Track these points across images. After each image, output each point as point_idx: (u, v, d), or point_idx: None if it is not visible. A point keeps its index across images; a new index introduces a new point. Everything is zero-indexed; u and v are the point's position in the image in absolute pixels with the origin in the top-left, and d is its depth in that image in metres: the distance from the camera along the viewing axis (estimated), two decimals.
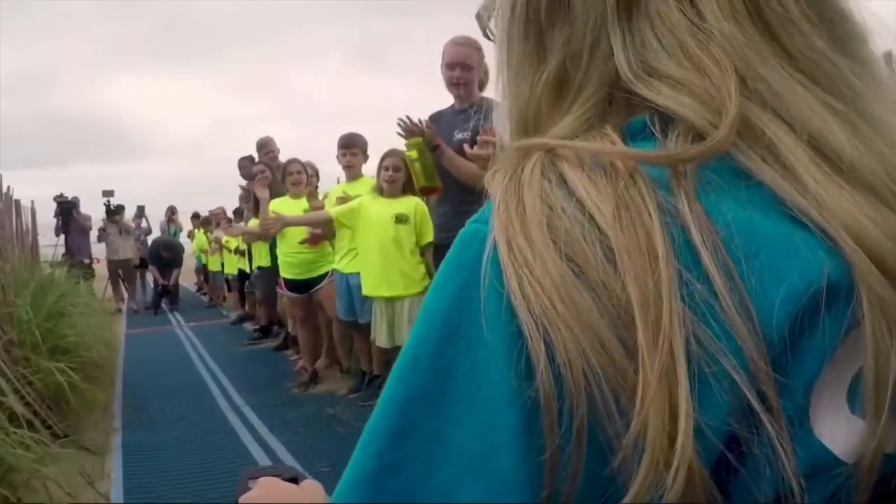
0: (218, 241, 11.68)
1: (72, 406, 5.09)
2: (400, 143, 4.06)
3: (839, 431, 0.38)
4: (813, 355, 0.38)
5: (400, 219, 4.83)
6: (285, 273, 6.21)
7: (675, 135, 0.41)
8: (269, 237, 6.25)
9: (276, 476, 0.78)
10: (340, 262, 5.53)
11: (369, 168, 5.78)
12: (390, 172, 4.75)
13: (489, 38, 0.55)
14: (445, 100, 4.15)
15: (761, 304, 0.37)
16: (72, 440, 4.68)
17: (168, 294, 13.27)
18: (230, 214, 11.92)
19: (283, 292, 6.44)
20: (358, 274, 5.26)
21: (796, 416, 0.38)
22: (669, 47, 0.44)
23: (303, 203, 6.06)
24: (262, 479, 0.77)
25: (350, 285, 5.40)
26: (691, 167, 0.40)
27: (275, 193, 6.28)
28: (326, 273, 6.03)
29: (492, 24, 0.55)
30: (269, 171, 6.93)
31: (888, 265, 0.38)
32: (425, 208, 4.85)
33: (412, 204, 4.87)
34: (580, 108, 0.46)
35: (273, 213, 5.38)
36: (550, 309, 0.36)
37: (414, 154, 3.94)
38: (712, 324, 0.36)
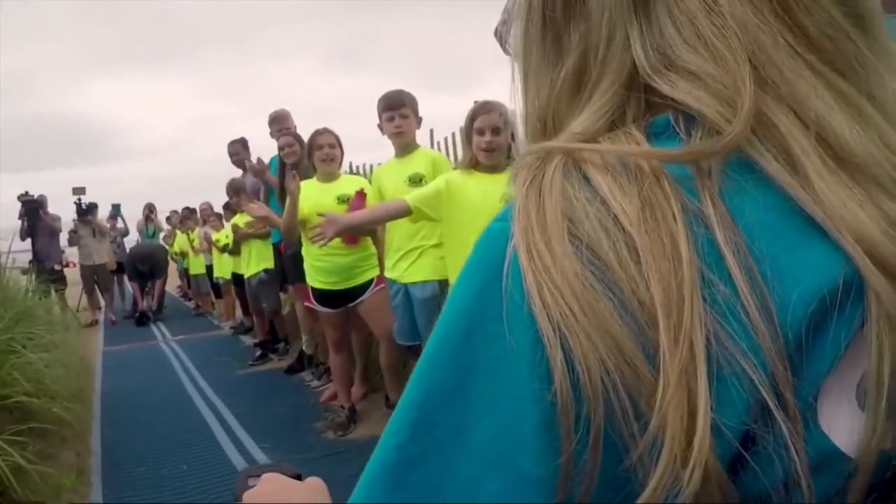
0: (208, 238, 10.19)
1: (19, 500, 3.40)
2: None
3: (846, 428, 0.38)
4: (825, 353, 0.38)
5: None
6: (315, 281, 4.63)
7: (699, 133, 0.42)
8: (294, 241, 4.79)
9: (278, 473, 0.76)
10: (395, 268, 4.07)
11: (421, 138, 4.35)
12: (487, 137, 3.15)
13: (508, 54, 0.55)
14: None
15: (780, 305, 0.37)
16: None
17: (146, 320, 11.75)
18: (218, 210, 10.48)
19: (312, 305, 4.84)
20: (423, 283, 3.88)
21: (806, 411, 0.38)
22: (687, 35, 0.43)
23: (337, 188, 4.53)
24: (266, 476, 0.76)
25: (412, 298, 3.98)
26: (715, 165, 0.41)
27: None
28: (370, 281, 4.60)
29: (511, 39, 0.56)
30: (297, 145, 5.45)
31: (891, 265, 0.38)
32: None
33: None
34: (598, 102, 0.46)
35: (320, 214, 3.73)
36: (569, 316, 0.36)
37: None
38: (733, 324, 0.37)
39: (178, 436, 5.16)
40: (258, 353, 7.54)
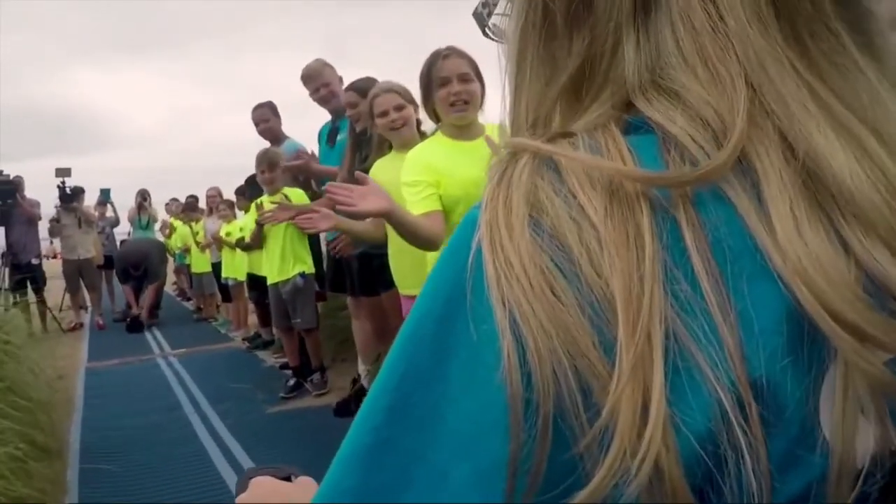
0: (214, 233, 8.45)
1: None
2: None
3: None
4: (812, 362, 0.38)
5: None
6: (410, 287, 3.25)
7: (676, 153, 0.41)
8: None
9: (273, 475, 0.78)
10: None
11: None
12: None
13: (489, 37, 0.56)
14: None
15: (745, 309, 0.37)
16: None
17: (139, 326, 9.97)
18: (229, 197, 8.75)
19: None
20: None
21: (806, 421, 0.38)
22: (688, 52, 0.43)
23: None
24: (255, 479, 0.77)
25: None
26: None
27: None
28: None
29: (495, 21, 0.56)
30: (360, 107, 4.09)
31: (850, 326, 0.37)
32: None
33: None
34: (596, 111, 0.46)
35: None
36: (524, 304, 0.36)
37: None
38: (694, 322, 0.37)
39: None
40: (291, 381, 5.78)
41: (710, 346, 0.36)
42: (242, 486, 0.77)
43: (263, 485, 0.76)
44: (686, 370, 0.36)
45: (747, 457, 0.36)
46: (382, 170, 3.36)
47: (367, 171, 3.31)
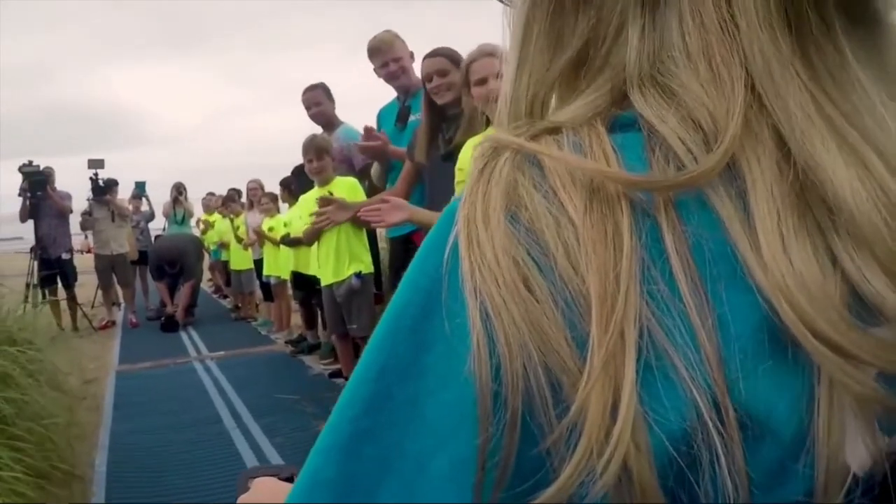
0: (256, 228, 7.90)
1: None
2: None
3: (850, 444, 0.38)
4: (797, 372, 0.38)
5: None
6: None
7: (661, 154, 0.40)
8: None
9: (274, 476, 0.78)
10: None
11: None
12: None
13: (503, 2, 0.53)
14: None
15: (723, 314, 0.37)
16: None
17: (174, 326, 9.43)
18: (272, 190, 8.19)
19: None
20: None
21: (797, 431, 0.37)
22: (692, 49, 0.42)
23: None
24: (257, 480, 0.77)
25: None
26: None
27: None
28: None
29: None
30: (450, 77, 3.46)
31: (834, 346, 0.36)
32: None
33: None
34: (590, 96, 0.45)
35: None
36: (495, 298, 0.36)
37: None
38: (671, 322, 0.37)
39: None
40: None
41: (686, 347, 0.36)
42: (242, 487, 0.77)
43: (265, 485, 0.77)
44: (660, 369, 0.36)
45: (723, 458, 0.36)
46: None
47: (452, 154, 2.71)
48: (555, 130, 0.42)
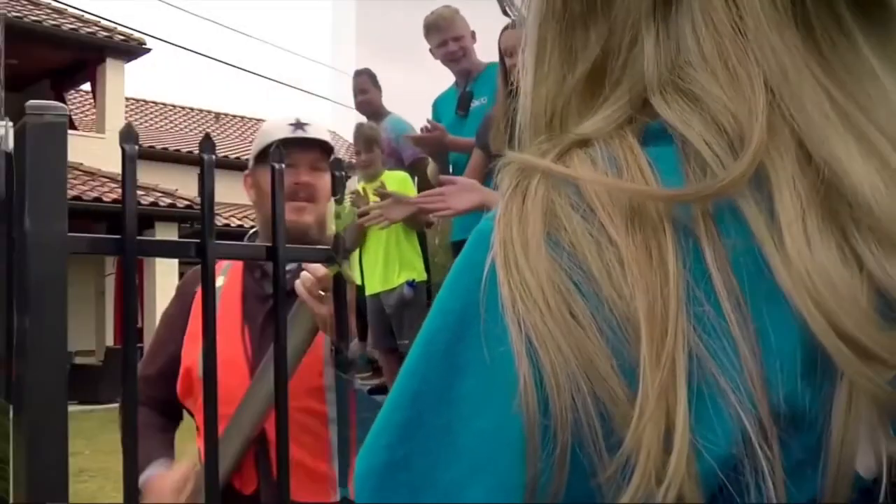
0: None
1: None
2: None
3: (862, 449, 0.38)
4: (824, 380, 0.37)
5: None
6: None
7: (694, 164, 0.39)
8: None
9: None
10: None
11: None
12: None
13: (507, 15, 0.61)
14: None
15: (764, 328, 0.36)
16: None
17: None
18: None
19: None
20: None
21: (820, 438, 0.37)
22: (708, 53, 0.41)
23: None
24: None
25: None
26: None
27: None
28: None
29: (517, 4, 0.55)
30: None
31: (859, 346, 0.35)
32: None
33: None
34: (610, 108, 0.45)
35: None
36: (541, 327, 0.36)
37: None
38: (716, 344, 0.36)
39: None
40: None
41: (732, 368, 0.36)
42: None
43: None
44: (710, 395, 0.35)
45: (768, 479, 0.35)
46: None
47: None
48: (585, 143, 0.42)
